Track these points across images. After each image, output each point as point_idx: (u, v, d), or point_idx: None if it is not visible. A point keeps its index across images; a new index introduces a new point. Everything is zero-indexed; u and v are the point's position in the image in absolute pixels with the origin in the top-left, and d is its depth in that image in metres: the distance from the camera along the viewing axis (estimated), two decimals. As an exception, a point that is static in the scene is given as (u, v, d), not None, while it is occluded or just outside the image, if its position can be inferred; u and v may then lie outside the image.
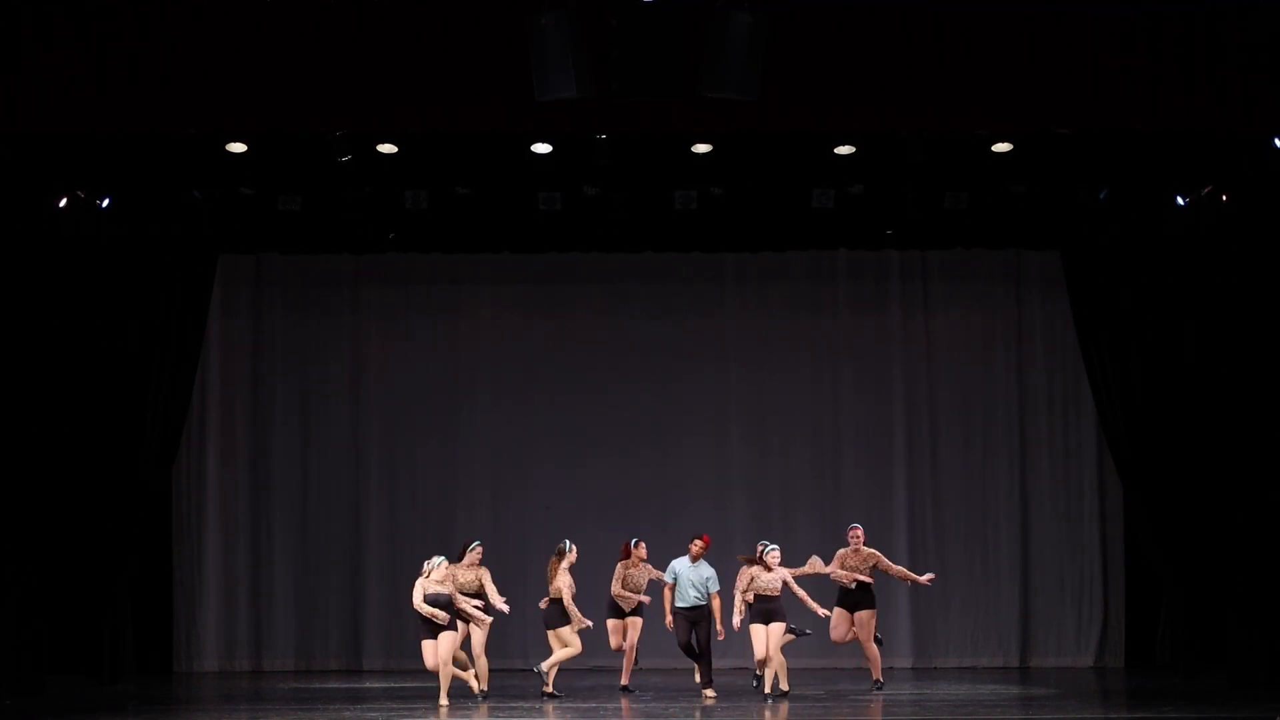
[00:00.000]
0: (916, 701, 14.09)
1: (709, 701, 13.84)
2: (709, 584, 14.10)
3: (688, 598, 14.12)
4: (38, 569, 15.06)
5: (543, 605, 14.34)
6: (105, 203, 15.36)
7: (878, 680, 14.78)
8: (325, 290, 18.02)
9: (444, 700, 13.39)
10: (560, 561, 14.17)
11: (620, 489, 17.69)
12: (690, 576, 14.12)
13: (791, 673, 14.61)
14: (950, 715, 12.94)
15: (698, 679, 14.43)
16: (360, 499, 17.89)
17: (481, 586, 14.05)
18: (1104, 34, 12.16)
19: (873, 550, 14.76)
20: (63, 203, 15.11)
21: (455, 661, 13.64)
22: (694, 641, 14.15)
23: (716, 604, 14.11)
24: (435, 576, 13.48)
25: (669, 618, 14.28)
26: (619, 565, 14.78)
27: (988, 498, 17.95)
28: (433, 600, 13.35)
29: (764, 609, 13.84)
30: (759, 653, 13.87)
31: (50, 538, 15.37)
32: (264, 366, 17.96)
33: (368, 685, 15.36)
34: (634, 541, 14.84)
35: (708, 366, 18.06)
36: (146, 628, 17.06)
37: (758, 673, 14.21)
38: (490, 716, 12.99)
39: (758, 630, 13.88)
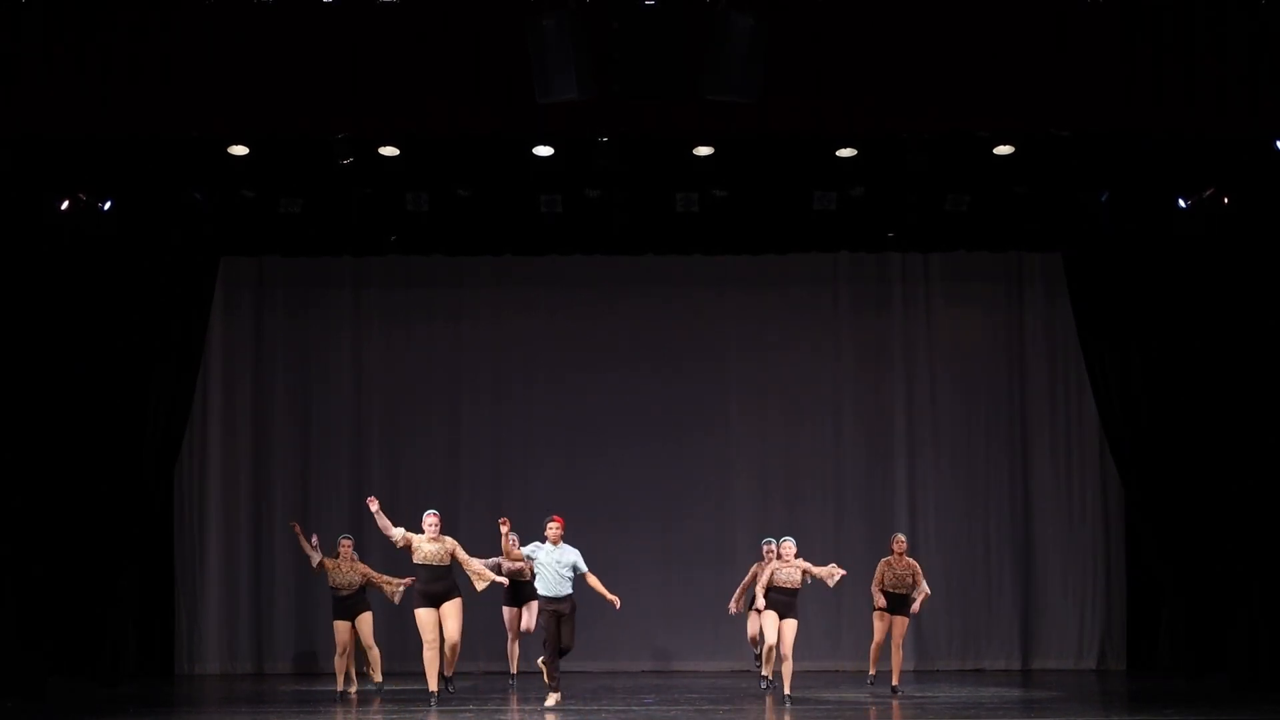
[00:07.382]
0: (918, 704, 14.07)
1: (553, 701, 13.28)
2: (576, 567, 13.34)
3: (550, 585, 13.29)
4: (39, 571, 15.07)
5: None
6: (107, 205, 15.36)
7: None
8: (327, 292, 18.03)
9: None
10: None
11: (621, 491, 17.68)
12: (550, 561, 13.31)
13: (795, 675, 14.62)
14: (952, 718, 12.94)
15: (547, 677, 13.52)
16: (361, 501, 17.82)
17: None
18: (1104, 35, 12.16)
19: (913, 561, 14.87)
20: (64, 205, 15.11)
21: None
22: (559, 636, 13.33)
23: (595, 582, 13.33)
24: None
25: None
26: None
27: (989, 499, 17.94)
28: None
29: (781, 601, 13.73)
30: (770, 639, 13.77)
31: (52, 539, 15.38)
32: (265, 369, 17.97)
33: (369, 688, 15.33)
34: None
35: (709, 369, 18.05)
36: (148, 630, 17.06)
37: (760, 661, 14.26)
38: (488, 716, 12.99)
39: (770, 619, 13.75)
